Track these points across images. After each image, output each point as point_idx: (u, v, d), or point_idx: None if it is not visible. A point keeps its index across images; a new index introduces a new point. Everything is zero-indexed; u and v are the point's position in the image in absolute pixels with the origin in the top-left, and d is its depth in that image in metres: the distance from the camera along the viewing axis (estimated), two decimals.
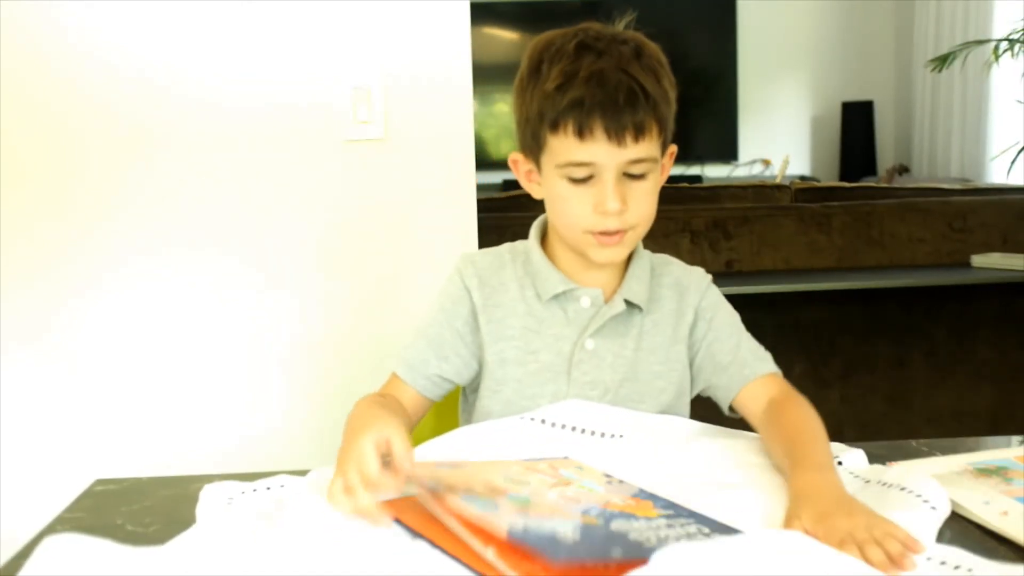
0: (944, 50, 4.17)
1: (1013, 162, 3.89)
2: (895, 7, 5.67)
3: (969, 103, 4.99)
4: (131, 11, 1.67)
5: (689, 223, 2.54)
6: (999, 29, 4.53)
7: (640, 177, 1.02)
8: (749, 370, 1.08)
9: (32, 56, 1.66)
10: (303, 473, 0.95)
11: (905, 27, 5.58)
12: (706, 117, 5.65)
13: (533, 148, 1.05)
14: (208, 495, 0.91)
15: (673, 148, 1.09)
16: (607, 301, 1.09)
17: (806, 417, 0.99)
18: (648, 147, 1.00)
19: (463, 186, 1.75)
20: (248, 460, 1.74)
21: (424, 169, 1.74)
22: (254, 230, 1.73)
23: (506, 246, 1.16)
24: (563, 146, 1.00)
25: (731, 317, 1.13)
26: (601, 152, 0.99)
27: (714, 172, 5.64)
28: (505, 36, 5.32)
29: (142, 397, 1.74)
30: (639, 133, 0.98)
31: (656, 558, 0.66)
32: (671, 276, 1.14)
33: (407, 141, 1.73)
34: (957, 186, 3.00)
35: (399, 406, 1.06)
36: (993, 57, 3.80)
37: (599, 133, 0.98)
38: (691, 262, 1.17)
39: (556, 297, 1.09)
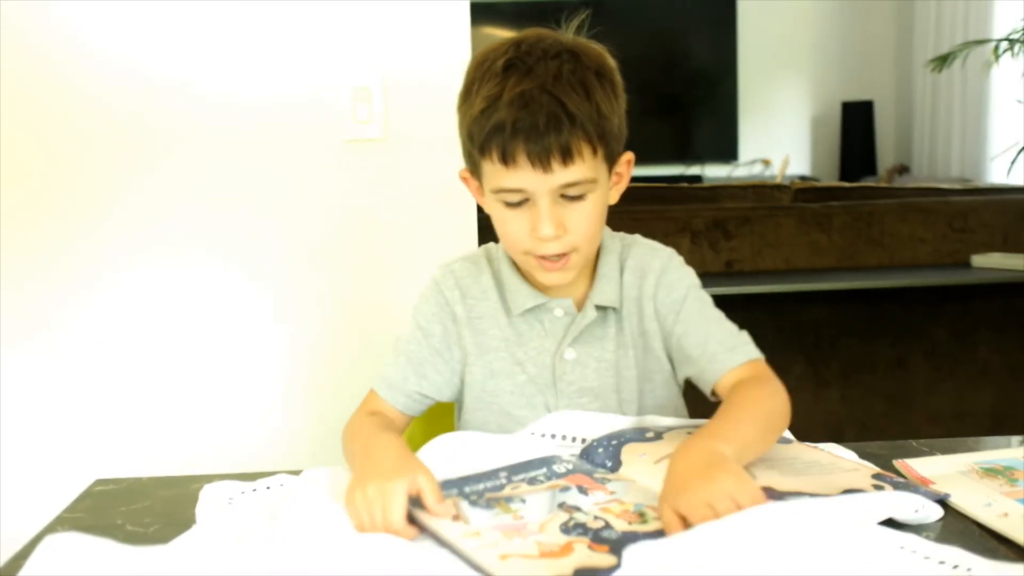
0: (944, 50, 4.17)
1: (1013, 162, 3.89)
2: (895, 7, 5.67)
3: (969, 103, 4.99)
4: (131, 11, 1.67)
5: (689, 223, 2.54)
6: (999, 29, 4.53)
7: (579, 198, 0.97)
8: (719, 364, 1.02)
9: (31, 56, 1.66)
10: (301, 473, 0.95)
11: (905, 27, 5.57)
12: (706, 117, 5.65)
13: (472, 168, 1.03)
14: (208, 495, 0.91)
15: (628, 156, 1.04)
16: (580, 308, 1.06)
17: (752, 397, 0.95)
18: (581, 169, 0.95)
19: (463, 186, 1.74)
20: (247, 460, 1.74)
21: (424, 169, 1.74)
22: (253, 230, 1.73)
23: (483, 249, 1.13)
24: (493, 171, 0.97)
25: (698, 304, 1.06)
26: (528, 179, 0.95)
27: (714, 172, 5.63)
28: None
29: (142, 397, 1.74)
30: (566, 157, 0.94)
31: (627, 555, 0.67)
32: (635, 259, 1.08)
33: (407, 141, 1.73)
34: (957, 186, 3.00)
35: (396, 429, 1.05)
36: (993, 57, 3.80)
37: (522, 160, 0.93)
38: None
39: (530, 310, 1.06)
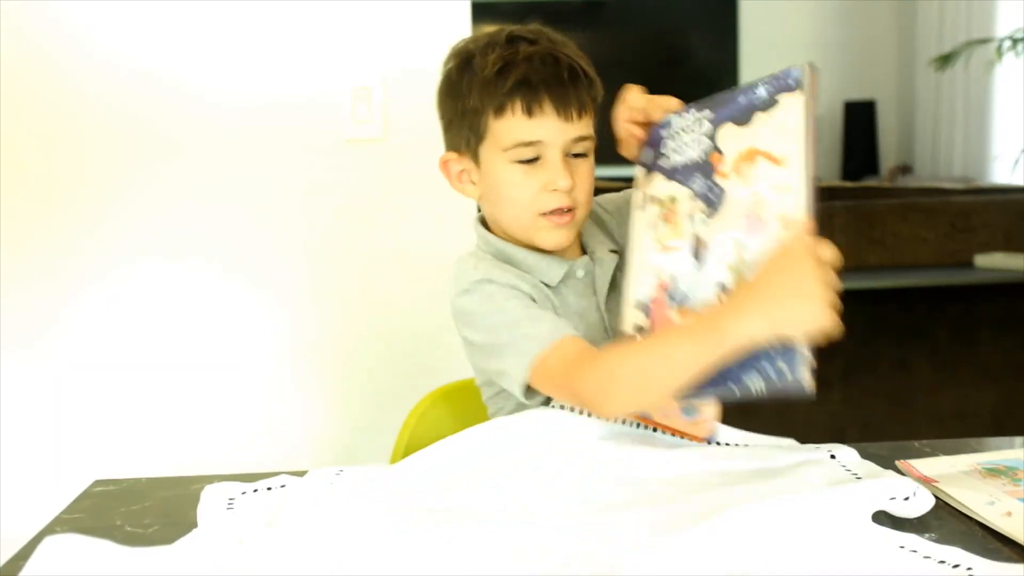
0: (947, 49, 4.17)
1: (1017, 161, 3.89)
2: (897, 6, 5.66)
3: (972, 102, 4.98)
4: (131, 11, 1.67)
5: None
6: (1002, 28, 4.53)
7: (582, 156, 1.04)
8: None
9: (32, 56, 1.66)
10: (302, 474, 0.94)
11: (907, 26, 5.57)
12: None
13: (471, 141, 1.06)
14: (209, 496, 0.91)
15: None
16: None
17: None
18: (589, 125, 1.04)
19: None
20: (247, 460, 1.74)
21: (424, 169, 1.73)
22: (254, 229, 1.73)
23: (470, 256, 1.10)
24: (509, 128, 1.01)
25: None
26: (551, 128, 1.00)
27: None
28: None
29: (141, 397, 1.74)
30: (582, 109, 1.02)
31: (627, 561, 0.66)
32: (601, 205, 1.15)
33: (407, 141, 1.73)
34: (960, 186, 2.99)
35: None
36: (996, 56, 3.80)
37: (548, 109, 1.00)
38: None
39: (562, 280, 1.07)
